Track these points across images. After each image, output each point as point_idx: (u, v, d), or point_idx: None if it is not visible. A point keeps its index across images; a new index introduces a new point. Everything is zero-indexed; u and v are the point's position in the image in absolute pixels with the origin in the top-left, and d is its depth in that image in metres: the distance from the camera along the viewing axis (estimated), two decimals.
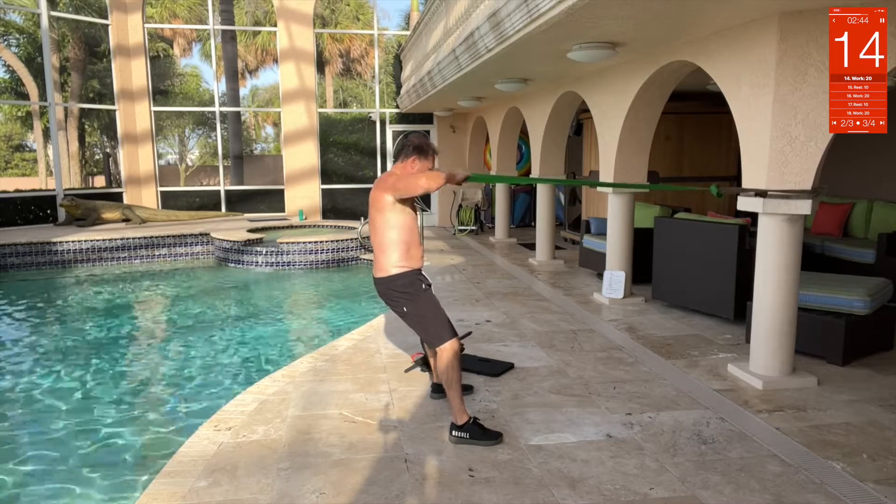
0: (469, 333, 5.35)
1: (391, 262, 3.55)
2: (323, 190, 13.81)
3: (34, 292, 8.58)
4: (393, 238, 3.52)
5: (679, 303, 6.32)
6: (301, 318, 7.47)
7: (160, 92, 14.48)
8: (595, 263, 7.97)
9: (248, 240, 10.17)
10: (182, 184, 21.60)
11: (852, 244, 6.85)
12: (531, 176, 11.05)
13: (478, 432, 3.46)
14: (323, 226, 12.33)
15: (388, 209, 3.50)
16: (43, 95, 13.14)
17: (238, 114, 17.12)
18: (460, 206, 13.14)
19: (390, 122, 14.04)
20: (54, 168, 12.93)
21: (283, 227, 12.01)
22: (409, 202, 3.56)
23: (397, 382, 4.41)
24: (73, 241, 10.16)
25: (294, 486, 3.05)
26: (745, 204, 4.34)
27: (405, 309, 3.60)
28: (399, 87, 13.71)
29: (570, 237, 11.36)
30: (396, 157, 3.68)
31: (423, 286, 3.60)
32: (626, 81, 6.22)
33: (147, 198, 13.22)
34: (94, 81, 15.23)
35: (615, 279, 6.67)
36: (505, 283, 7.82)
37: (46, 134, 18.63)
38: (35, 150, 21.98)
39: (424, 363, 4.43)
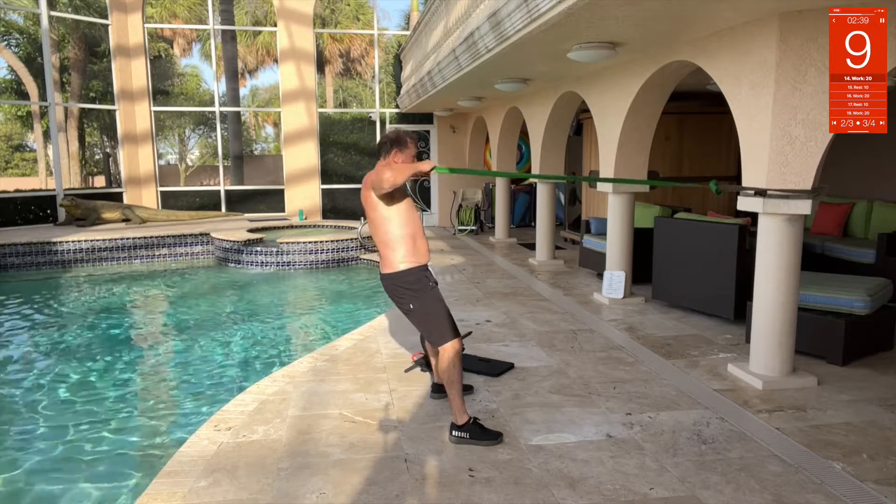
0: (469, 333, 5.36)
1: (398, 257, 3.52)
2: (323, 190, 13.82)
3: (34, 292, 8.58)
4: (395, 232, 3.49)
5: (679, 303, 6.32)
6: (301, 317, 7.47)
7: (160, 92, 14.49)
8: (595, 263, 7.97)
9: (249, 240, 10.17)
10: (182, 184, 21.61)
11: (852, 244, 6.85)
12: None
13: (478, 432, 3.46)
14: (323, 226, 12.34)
15: (379, 205, 3.48)
16: (43, 95, 13.15)
17: (238, 114, 17.13)
18: (460, 206, 13.14)
19: (390, 122, 14.04)
20: (54, 168, 12.94)
21: (283, 227, 12.02)
22: (400, 193, 3.52)
23: (397, 382, 4.41)
24: (73, 241, 10.16)
25: (294, 486, 3.05)
26: (745, 204, 4.34)
27: (411, 306, 3.58)
28: (399, 87, 13.71)
29: (570, 237, 11.36)
30: (378, 156, 3.65)
31: (431, 284, 3.59)
32: (626, 81, 6.22)
33: (147, 198, 13.22)
34: (95, 81, 15.23)
35: (615, 279, 6.67)
36: (505, 283, 7.82)
37: (46, 134, 18.63)
38: (35, 150, 21.99)
39: (425, 363, 4.43)
